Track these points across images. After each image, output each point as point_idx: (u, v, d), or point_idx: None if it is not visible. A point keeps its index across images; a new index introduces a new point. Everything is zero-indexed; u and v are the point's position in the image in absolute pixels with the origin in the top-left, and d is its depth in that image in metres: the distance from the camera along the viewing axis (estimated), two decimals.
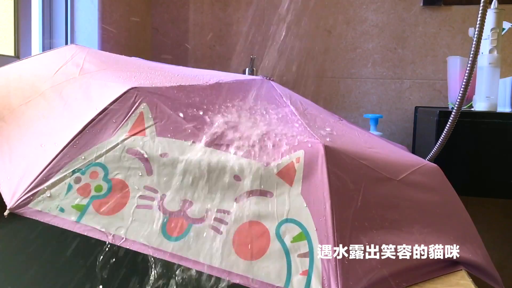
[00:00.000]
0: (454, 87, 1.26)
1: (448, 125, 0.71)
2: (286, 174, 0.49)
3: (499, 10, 1.03)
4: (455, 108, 0.70)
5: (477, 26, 0.67)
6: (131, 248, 0.46)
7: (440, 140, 0.73)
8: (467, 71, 0.68)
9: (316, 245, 0.45)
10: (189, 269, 0.45)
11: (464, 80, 0.69)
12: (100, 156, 0.50)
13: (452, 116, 0.71)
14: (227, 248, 0.46)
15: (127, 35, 1.49)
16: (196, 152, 0.50)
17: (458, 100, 0.69)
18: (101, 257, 0.47)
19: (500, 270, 0.56)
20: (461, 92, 0.69)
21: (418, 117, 1.45)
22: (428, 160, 0.69)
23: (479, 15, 0.66)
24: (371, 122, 1.36)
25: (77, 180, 0.49)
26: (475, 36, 0.67)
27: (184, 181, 0.49)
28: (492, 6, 1.03)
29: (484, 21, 0.67)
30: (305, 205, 0.47)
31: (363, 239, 0.47)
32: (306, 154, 0.50)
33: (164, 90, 0.56)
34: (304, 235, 0.46)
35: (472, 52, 0.68)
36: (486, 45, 1.04)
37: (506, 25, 1.10)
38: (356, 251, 0.46)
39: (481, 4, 0.66)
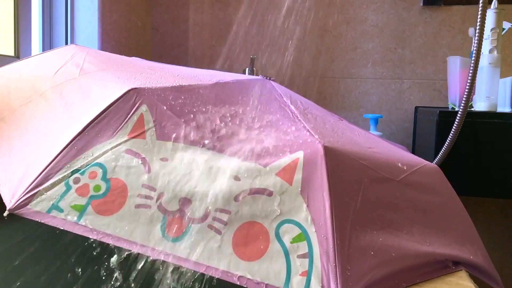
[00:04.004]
0: (454, 87, 1.26)
1: (453, 129, 0.70)
2: (285, 174, 0.49)
3: (499, 10, 1.03)
4: (460, 111, 0.69)
5: (478, 26, 0.66)
6: (130, 249, 0.46)
7: (446, 143, 0.72)
8: (470, 75, 0.67)
9: (316, 245, 0.45)
10: (188, 269, 0.45)
11: (468, 83, 0.68)
12: (99, 156, 0.50)
13: (457, 119, 0.70)
14: (227, 249, 0.45)
15: (127, 35, 1.49)
16: (196, 153, 0.50)
17: (463, 103, 0.68)
18: (100, 257, 0.47)
19: (500, 270, 0.56)
20: (465, 95, 0.68)
21: (418, 117, 1.45)
22: (435, 163, 0.68)
23: (479, 14, 0.65)
24: (371, 122, 1.36)
25: (76, 181, 0.49)
26: (476, 37, 0.67)
27: (183, 181, 0.49)
28: (492, 6, 1.03)
29: (485, 21, 0.66)
30: (305, 206, 0.47)
31: (362, 240, 0.47)
32: (305, 154, 0.50)
33: (164, 91, 0.56)
34: (303, 235, 0.46)
35: (474, 53, 0.68)
36: (486, 45, 1.04)
37: (506, 25, 1.11)
38: (355, 251, 0.46)
39: (481, 4, 0.65)
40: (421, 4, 1.48)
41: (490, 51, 1.04)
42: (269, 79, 0.73)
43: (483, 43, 1.04)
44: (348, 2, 1.54)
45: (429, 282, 0.49)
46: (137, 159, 0.50)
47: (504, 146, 1.00)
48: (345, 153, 0.51)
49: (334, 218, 0.46)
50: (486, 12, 0.66)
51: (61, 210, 0.48)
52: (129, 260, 0.47)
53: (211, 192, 0.48)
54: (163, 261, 0.46)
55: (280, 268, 0.44)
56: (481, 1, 0.65)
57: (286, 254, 0.45)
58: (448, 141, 0.71)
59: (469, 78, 0.67)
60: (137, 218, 0.47)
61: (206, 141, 0.51)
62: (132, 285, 0.47)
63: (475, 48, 0.67)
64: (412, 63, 1.51)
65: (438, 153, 0.74)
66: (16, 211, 0.47)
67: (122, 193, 0.49)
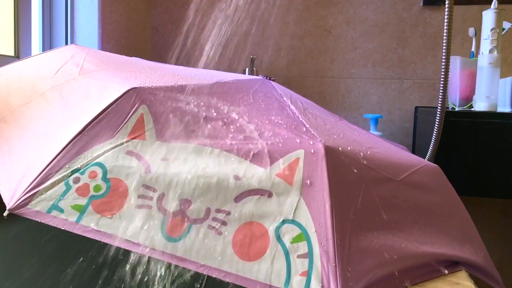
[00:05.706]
0: (454, 87, 1.26)
1: (436, 124, 0.71)
2: (286, 174, 0.49)
3: (499, 10, 1.03)
4: (438, 107, 0.69)
5: (446, 24, 0.66)
6: (130, 249, 0.46)
7: (432, 140, 0.73)
8: (442, 73, 0.68)
9: (316, 245, 0.45)
10: (188, 269, 0.45)
11: (442, 80, 0.68)
12: (99, 156, 0.50)
13: (438, 114, 0.70)
14: (227, 249, 0.45)
15: (127, 35, 1.49)
16: (196, 153, 0.50)
17: (440, 98, 0.69)
18: (100, 257, 0.47)
19: (500, 270, 0.56)
20: (441, 91, 0.68)
21: (418, 117, 1.45)
22: (427, 159, 0.68)
23: (446, 13, 0.65)
24: (371, 122, 1.36)
25: (76, 180, 0.49)
26: (445, 35, 0.67)
27: (183, 181, 0.49)
28: (492, 6, 1.03)
29: (452, 19, 0.66)
30: (305, 206, 0.47)
31: (363, 240, 0.47)
32: (306, 154, 0.49)
33: (164, 90, 0.56)
34: (303, 235, 0.46)
35: (444, 51, 0.68)
36: (486, 45, 1.04)
37: (506, 25, 1.10)
38: (355, 251, 0.46)
39: (447, 3, 0.65)
40: (421, 4, 1.48)
41: (490, 51, 1.04)
42: (269, 79, 0.73)
43: (482, 43, 1.05)
44: (348, 2, 1.54)
45: (429, 282, 0.49)
46: (137, 160, 0.50)
47: (504, 146, 1.00)
48: (346, 153, 0.51)
49: (334, 218, 0.46)
50: (452, 10, 0.65)
51: (61, 210, 0.48)
52: (128, 260, 0.47)
53: (211, 192, 0.48)
54: (163, 261, 0.46)
55: (280, 268, 0.44)
56: (447, 1, 0.65)
57: (286, 254, 0.45)
58: (434, 135, 0.71)
59: (442, 76, 0.68)
60: (137, 218, 0.47)
61: (206, 141, 0.51)
62: (132, 284, 0.47)
63: (444, 47, 0.67)
64: (412, 63, 1.51)
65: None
66: (16, 211, 0.47)
67: (122, 193, 0.48)
